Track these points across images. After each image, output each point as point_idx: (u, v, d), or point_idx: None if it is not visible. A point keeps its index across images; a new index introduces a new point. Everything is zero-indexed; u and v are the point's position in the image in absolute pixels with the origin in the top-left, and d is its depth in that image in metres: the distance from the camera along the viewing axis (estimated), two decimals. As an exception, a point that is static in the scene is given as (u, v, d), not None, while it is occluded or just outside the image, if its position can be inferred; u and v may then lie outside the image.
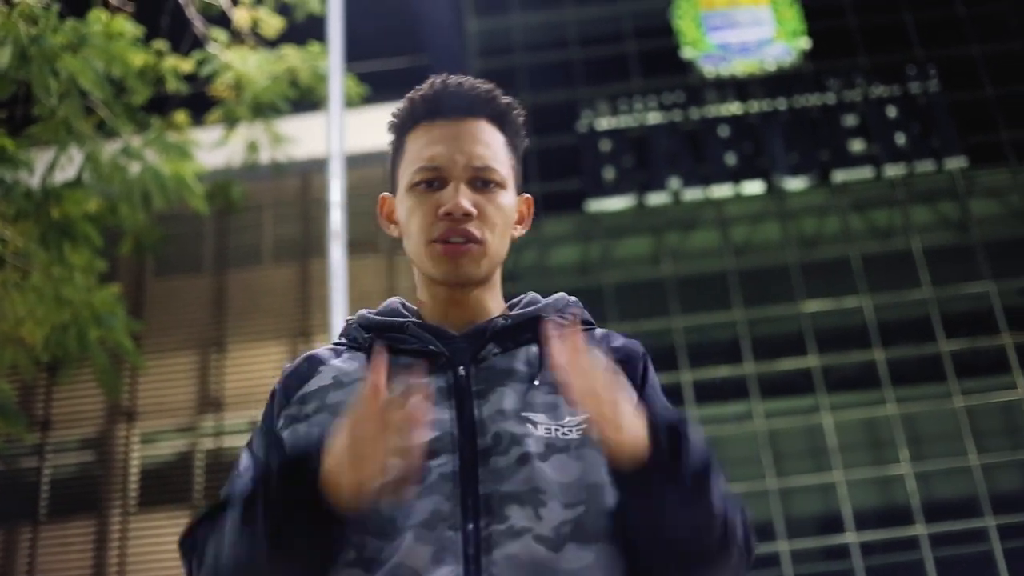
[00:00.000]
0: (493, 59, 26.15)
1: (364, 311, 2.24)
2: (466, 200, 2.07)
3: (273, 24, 9.57)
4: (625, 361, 2.14)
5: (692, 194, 25.55)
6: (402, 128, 2.20)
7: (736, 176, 25.61)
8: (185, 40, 9.39)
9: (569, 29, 28.21)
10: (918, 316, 24.00)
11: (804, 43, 26.81)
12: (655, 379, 2.18)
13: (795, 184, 25.55)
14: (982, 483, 22.10)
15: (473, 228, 2.08)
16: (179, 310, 22.24)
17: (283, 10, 9.75)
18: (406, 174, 2.15)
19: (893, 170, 25.22)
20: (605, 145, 26.01)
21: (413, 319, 2.14)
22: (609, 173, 25.75)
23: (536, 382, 2.03)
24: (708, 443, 2.02)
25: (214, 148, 9.26)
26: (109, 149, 7.90)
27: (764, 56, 26.75)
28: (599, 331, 2.23)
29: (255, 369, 21.40)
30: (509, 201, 2.16)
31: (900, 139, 25.44)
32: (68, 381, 8.74)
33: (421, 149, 2.13)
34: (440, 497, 1.89)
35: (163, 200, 7.92)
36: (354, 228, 10.92)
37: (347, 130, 9.83)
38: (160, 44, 8.84)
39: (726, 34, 27.07)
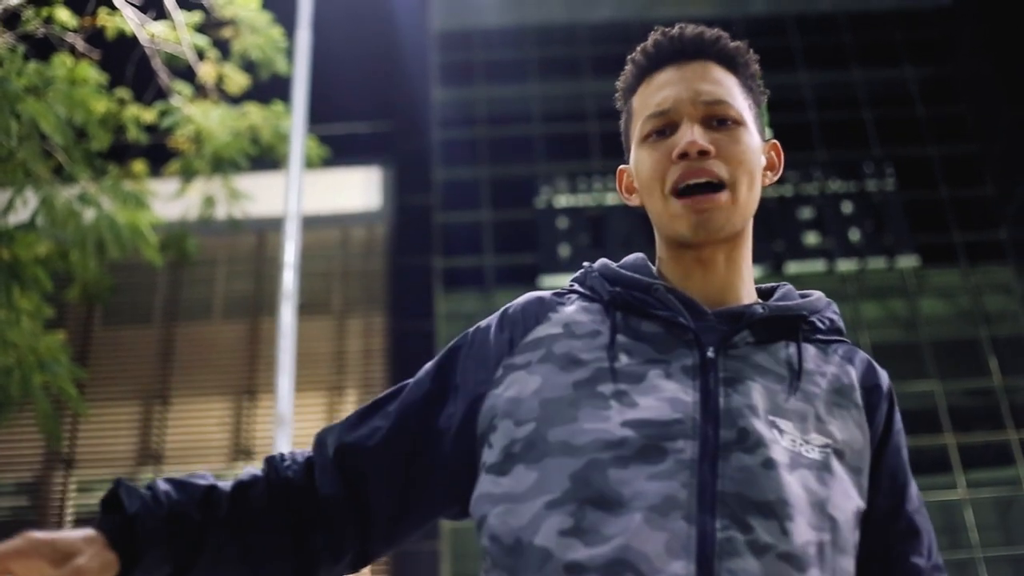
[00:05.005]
0: (455, 130, 26.22)
1: (606, 260, 2.06)
2: (701, 137, 1.85)
3: (238, 81, 9.58)
4: (869, 392, 1.97)
5: (645, 276, 25.71)
6: (628, 91, 2.03)
7: (690, 261, 25.80)
8: (149, 90, 9.37)
9: (532, 105, 28.38)
10: (863, 411, 24.13)
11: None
12: (901, 431, 1.99)
13: (748, 273, 25.76)
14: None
15: (715, 167, 1.86)
16: (125, 360, 22.07)
17: (249, 67, 9.76)
18: (635, 131, 1.97)
19: (845, 265, 25.43)
20: (562, 222, 26.11)
21: (661, 282, 1.91)
22: (564, 250, 25.83)
23: (791, 387, 1.82)
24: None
25: (171, 200, 9.23)
26: (65, 194, 7.85)
27: (724, 144, 27.03)
28: (847, 348, 2.02)
29: (198, 424, 21.26)
30: (753, 140, 1.93)
31: (854, 235, 25.67)
32: (6, 424, 8.62)
33: (646, 99, 1.95)
34: (676, 484, 1.65)
35: (117, 249, 7.86)
36: (306, 289, 10.89)
37: (305, 191, 9.83)
38: (123, 92, 8.82)
39: (688, 120, 27.36)
